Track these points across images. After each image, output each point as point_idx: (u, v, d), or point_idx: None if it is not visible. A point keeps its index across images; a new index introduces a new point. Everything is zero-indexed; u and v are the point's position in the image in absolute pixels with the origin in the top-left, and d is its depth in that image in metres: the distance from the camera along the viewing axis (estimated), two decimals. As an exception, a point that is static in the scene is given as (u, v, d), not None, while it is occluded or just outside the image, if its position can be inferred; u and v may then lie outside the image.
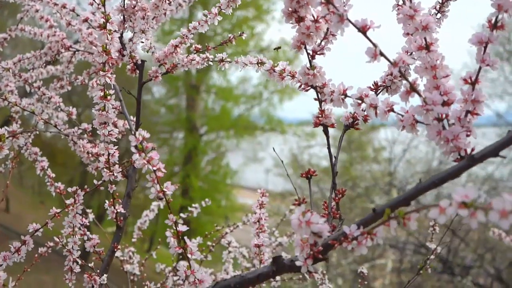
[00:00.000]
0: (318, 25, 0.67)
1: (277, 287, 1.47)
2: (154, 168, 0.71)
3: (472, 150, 0.59)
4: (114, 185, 1.04)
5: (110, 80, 0.87)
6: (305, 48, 0.71)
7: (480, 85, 0.62)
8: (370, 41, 0.60)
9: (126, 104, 1.23)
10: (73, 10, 1.18)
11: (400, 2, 0.73)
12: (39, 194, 12.63)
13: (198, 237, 1.23)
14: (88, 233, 1.11)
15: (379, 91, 0.80)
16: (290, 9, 0.68)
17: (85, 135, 1.16)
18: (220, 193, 10.74)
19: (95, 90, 0.85)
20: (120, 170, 1.01)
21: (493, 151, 0.55)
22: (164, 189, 0.72)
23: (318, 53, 0.72)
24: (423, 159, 8.18)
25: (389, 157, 8.50)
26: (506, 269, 6.15)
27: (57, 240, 1.14)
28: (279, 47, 1.17)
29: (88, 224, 1.12)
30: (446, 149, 0.60)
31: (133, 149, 0.70)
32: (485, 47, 0.61)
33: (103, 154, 0.99)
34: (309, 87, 0.73)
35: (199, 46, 1.11)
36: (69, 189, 1.02)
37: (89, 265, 1.03)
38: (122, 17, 1.05)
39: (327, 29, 0.70)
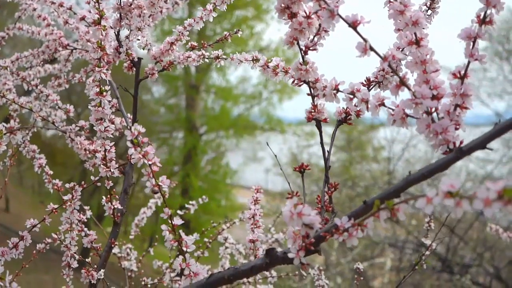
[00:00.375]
0: (310, 21, 0.68)
1: (273, 283, 1.48)
2: (150, 162, 0.72)
3: (461, 143, 0.60)
4: (111, 181, 1.05)
5: (106, 76, 0.88)
6: (298, 43, 0.72)
7: (469, 80, 0.63)
8: (361, 36, 0.61)
9: (124, 103, 1.25)
10: (70, 9, 1.19)
11: (392, -1, 0.74)
12: (39, 194, 12.64)
13: (195, 233, 1.24)
14: (85, 229, 1.12)
15: (371, 86, 0.81)
16: (282, 5, 0.69)
17: (83, 132, 1.17)
18: (220, 193, 10.75)
19: (91, 86, 0.86)
20: (117, 166, 1.02)
21: (480, 144, 0.56)
22: (160, 183, 0.73)
23: (311, 48, 0.73)
24: (422, 158, 8.19)
25: (388, 156, 8.51)
26: (505, 268, 6.16)
27: (55, 236, 1.15)
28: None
29: (85, 220, 1.13)
30: (435, 142, 0.61)
31: (128, 144, 0.71)
32: (474, 42, 0.62)
33: (100, 151, 1.00)
34: (302, 82, 0.74)
35: (195, 44, 1.12)
36: (67, 185, 1.03)
37: (87, 260, 1.04)
38: (118, 15, 1.06)
39: (319, 25, 0.71)
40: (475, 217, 6.37)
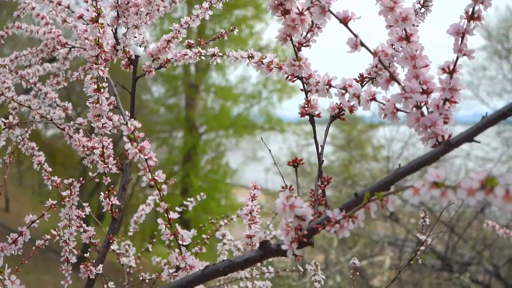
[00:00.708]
0: (303, 18, 0.70)
1: (272, 280, 1.50)
2: (146, 157, 0.73)
3: (449, 136, 0.62)
4: (109, 178, 1.06)
5: (103, 73, 0.89)
6: (291, 40, 0.73)
7: (457, 74, 0.64)
8: (351, 32, 0.62)
9: (122, 103, 1.26)
10: (68, 7, 1.20)
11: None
12: (39, 194, 12.67)
13: (193, 229, 1.25)
14: (84, 225, 1.13)
15: (364, 82, 0.82)
16: (276, 2, 0.70)
17: (81, 129, 1.18)
18: (219, 192, 10.76)
19: (89, 83, 0.87)
20: (115, 162, 1.04)
21: (468, 137, 0.58)
22: (156, 177, 0.74)
23: (304, 45, 0.74)
24: (422, 157, 8.19)
25: (387, 155, 8.53)
26: (504, 266, 6.17)
27: (55, 233, 1.16)
28: None
29: (84, 216, 1.14)
30: (424, 135, 0.62)
31: (125, 139, 0.73)
32: (462, 37, 0.63)
33: (98, 147, 1.02)
34: (296, 78, 0.75)
35: (192, 42, 1.13)
36: (65, 181, 1.04)
37: (85, 254, 1.05)
38: (116, 13, 1.07)
39: (312, 21, 0.72)
40: (474, 215, 6.39)
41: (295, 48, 0.74)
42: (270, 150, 0.88)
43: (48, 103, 1.30)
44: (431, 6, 0.86)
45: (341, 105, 0.79)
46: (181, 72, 10.73)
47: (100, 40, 0.88)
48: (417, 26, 0.78)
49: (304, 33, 0.74)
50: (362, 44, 0.62)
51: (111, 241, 1.11)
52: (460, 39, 0.64)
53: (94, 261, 1.08)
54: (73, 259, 1.07)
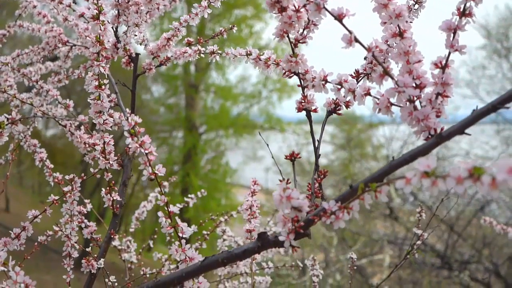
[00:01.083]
0: (299, 15, 0.71)
1: (272, 277, 1.51)
2: (146, 151, 0.75)
3: (441, 129, 0.63)
4: (110, 174, 1.08)
5: (104, 70, 0.91)
6: (288, 36, 0.75)
7: (449, 70, 0.66)
8: (346, 28, 0.64)
9: (123, 101, 1.27)
10: (69, 6, 1.22)
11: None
12: (39, 194, 12.69)
13: (193, 225, 1.27)
14: (85, 220, 1.15)
15: (360, 78, 0.84)
16: None
17: (82, 127, 1.20)
18: (219, 192, 10.78)
19: (90, 80, 0.89)
20: (116, 158, 1.05)
21: (459, 129, 0.59)
22: (156, 171, 0.76)
23: (300, 41, 0.76)
24: (421, 156, 8.20)
25: (387, 154, 8.54)
26: (504, 264, 6.19)
27: (57, 229, 1.18)
28: None
29: (85, 212, 1.16)
30: (417, 128, 0.64)
31: (126, 134, 0.74)
32: (454, 33, 0.65)
33: (99, 144, 1.04)
34: (292, 74, 0.77)
35: (192, 40, 1.15)
36: (67, 177, 1.06)
37: (87, 249, 1.07)
38: (116, 12, 1.09)
39: (308, 18, 0.74)
40: (473, 214, 6.40)
41: (292, 44, 0.76)
42: (267, 145, 0.90)
43: (49, 101, 1.32)
44: (424, 2, 0.88)
45: (337, 100, 0.81)
46: (181, 72, 10.75)
47: (101, 37, 0.89)
48: (411, 22, 0.80)
49: (301, 30, 0.76)
50: (356, 40, 0.64)
51: (112, 236, 1.13)
52: (452, 35, 0.65)
53: (95, 255, 1.09)
54: (75, 254, 1.08)
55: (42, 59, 1.40)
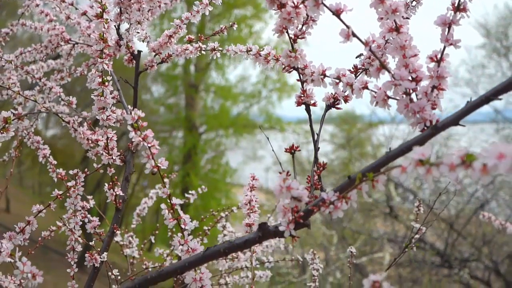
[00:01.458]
0: (298, 11, 0.73)
1: (271, 277, 1.53)
2: (149, 145, 0.76)
3: (437, 121, 0.65)
4: (113, 169, 1.10)
5: (108, 67, 0.92)
6: (287, 32, 0.77)
7: (444, 63, 0.68)
8: (343, 23, 0.66)
9: (124, 99, 1.29)
10: (71, 4, 1.24)
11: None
12: (39, 194, 12.71)
13: (194, 221, 1.28)
14: (88, 215, 1.17)
15: (358, 73, 0.86)
16: (272, -4, 0.73)
17: (85, 123, 1.22)
18: (220, 192, 10.80)
19: (93, 77, 0.91)
20: (119, 154, 1.07)
21: (453, 121, 0.61)
22: (159, 164, 0.77)
23: (300, 37, 0.78)
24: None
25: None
26: (503, 262, 6.21)
27: (60, 224, 1.20)
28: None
29: (89, 207, 1.18)
30: (413, 120, 0.66)
31: (129, 128, 0.76)
32: (449, 28, 0.67)
33: (102, 140, 1.05)
34: (292, 69, 0.79)
35: (192, 37, 1.17)
36: (71, 172, 1.08)
37: (90, 243, 1.09)
38: (118, 10, 1.11)
39: (307, 14, 0.76)
40: (473, 212, 6.43)
41: (291, 40, 0.77)
42: (268, 141, 0.92)
43: (52, 98, 1.34)
44: None
45: (335, 95, 0.83)
46: (180, 72, 10.77)
47: (104, 35, 0.91)
48: (408, 18, 0.82)
49: (300, 26, 0.78)
50: (354, 35, 0.66)
51: (115, 230, 1.15)
52: (447, 29, 0.67)
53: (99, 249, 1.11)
54: (79, 248, 1.10)
55: (44, 57, 1.42)
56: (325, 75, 0.77)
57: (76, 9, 1.26)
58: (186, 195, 1.58)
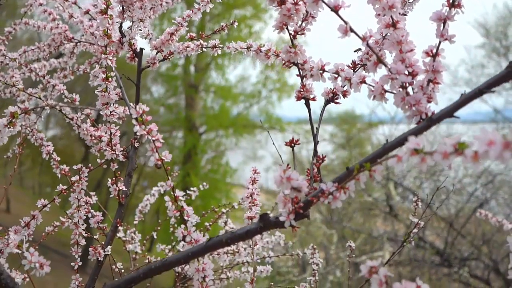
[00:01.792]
0: (298, 7, 0.75)
1: (271, 262, 1.55)
2: (153, 139, 0.78)
3: (432, 114, 0.67)
4: (116, 164, 1.12)
5: (112, 63, 0.95)
6: (287, 28, 0.79)
7: (440, 58, 0.70)
8: (342, 19, 0.68)
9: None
10: (75, 3, 1.26)
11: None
12: (39, 195, 12.72)
13: (196, 216, 1.30)
14: (92, 210, 1.19)
15: (357, 69, 0.88)
16: (272, -7, 0.75)
17: (88, 120, 1.24)
18: (220, 192, 10.82)
19: (97, 72, 0.93)
20: (122, 149, 1.09)
21: (448, 113, 0.63)
22: (163, 157, 0.79)
23: (299, 33, 0.80)
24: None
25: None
26: (503, 261, 6.23)
27: (63, 219, 1.22)
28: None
29: (92, 203, 1.20)
30: (409, 113, 0.68)
31: (133, 121, 0.78)
32: (444, 23, 0.69)
33: (105, 135, 1.07)
34: (292, 64, 0.81)
35: (194, 35, 1.19)
36: (75, 167, 1.10)
37: (94, 237, 1.11)
38: (121, 8, 1.13)
39: (306, 11, 0.78)
40: (472, 211, 6.45)
41: (291, 36, 0.79)
42: (270, 137, 0.94)
43: (55, 96, 1.36)
44: (419, -4, 0.92)
45: (334, 89, 0.85)
46: (180, 72, 10.79)
47: (109, 31, 0.93)
48: (405, 15, 0.84)
49: (299, 22, 0.80)
50: (352, 30, 0.68)
51: (118, 225, 1.17)
52: (442, 24, 0.69)
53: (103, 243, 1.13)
54: (83, 242, 1.12)
55: (48, 55, 1.44)
56: (324, 70, 0.79)
57: (79, 7, 1.28)
58: (188, 191, 1.60)
